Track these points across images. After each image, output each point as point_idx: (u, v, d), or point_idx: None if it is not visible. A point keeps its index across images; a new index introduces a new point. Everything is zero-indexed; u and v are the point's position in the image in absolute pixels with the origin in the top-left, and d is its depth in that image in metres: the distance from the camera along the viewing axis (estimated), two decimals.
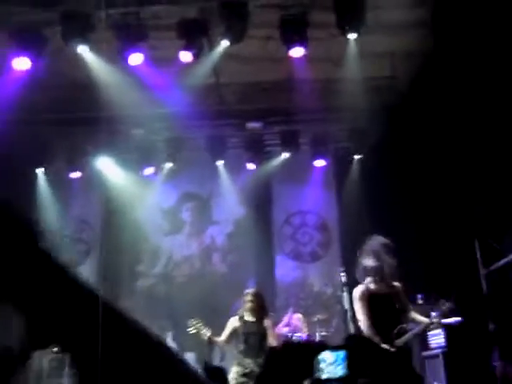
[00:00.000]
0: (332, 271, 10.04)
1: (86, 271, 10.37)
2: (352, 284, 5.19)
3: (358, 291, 5.03)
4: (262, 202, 10.83)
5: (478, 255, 7.08)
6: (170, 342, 9.92)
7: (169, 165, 10.52)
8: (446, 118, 7.58)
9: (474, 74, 6.64)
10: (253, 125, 10.04)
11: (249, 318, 6.15)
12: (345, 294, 5.28)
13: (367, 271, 5.06)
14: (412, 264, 8.35)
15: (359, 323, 4.94)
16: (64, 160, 10.18)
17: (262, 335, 6.00)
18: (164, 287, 10.65)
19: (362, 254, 5.20)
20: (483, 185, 6.63)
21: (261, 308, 6.20)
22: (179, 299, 10.38)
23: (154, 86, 8.43)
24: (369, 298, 4.94)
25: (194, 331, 6.03)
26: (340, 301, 5.82)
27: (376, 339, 4.75)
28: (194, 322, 5.96)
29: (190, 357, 9.93)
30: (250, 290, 6.38)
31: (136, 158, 10.33)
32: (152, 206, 10.86)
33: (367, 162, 10.20)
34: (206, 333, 5.97)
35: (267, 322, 6.10)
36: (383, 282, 5.02)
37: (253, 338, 5.86)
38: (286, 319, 8.77)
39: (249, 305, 6.16)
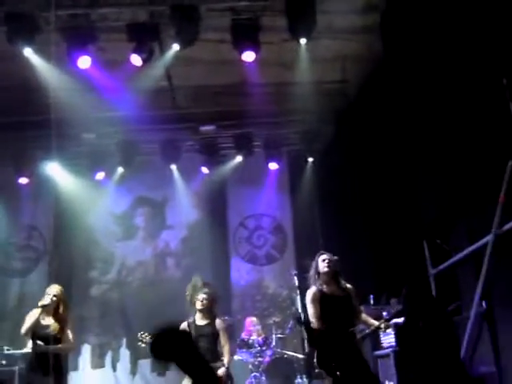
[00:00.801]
0: (287, 273, 9.82)
1: (36, 278, 10.12)
2: (305, 286, 5.19)
3: (310, 293, 5.04)
4: (216, 205, 10.83)
5: (427, 255, 7.23)
6: (124, 349, 9.76)
7: (121, 169, 10.40)
8: (393, 120, 7.73)
9: (421, 78, 6.79)
10: (206, 128, 10.02)
11: (199, 321, 6.03)
12: (298, 297, 5.27)
13: (321, 274, 5.10)
14: (363, 265, 8.53)
15: (312, 325, 4.94)
16: (12, 165, 9.91)
17: (214, 337, 5.91)
18: (118, 294, 10.51)
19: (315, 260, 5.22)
20: (430, 186, 6.79)
21: (211, 309, 6.11)
22: (133, 306, 10.28)
23: (105, 89, 8.28)
24: (320, 300, 4.95)
25: (142, 344, 5.82)
26: (294, 303, 5.88)
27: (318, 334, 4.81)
28: (144, 336, 5.80)
29: (144, 364, 9.81)
30: (202, 293, 6.28)
31: (87, 162, 10.17)
32: (104, 211, 10.73)
33: (319, 165, 10.34)
34: None
35: (219, 323, 6.00)
36: (336, 285, 5.06)
37: (203, 341, 5.76)
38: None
39: (199, 307, 6.07)
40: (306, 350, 5.80)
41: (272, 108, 9.26)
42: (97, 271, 10.72)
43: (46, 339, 5.06)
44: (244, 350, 8.31)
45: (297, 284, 5.34)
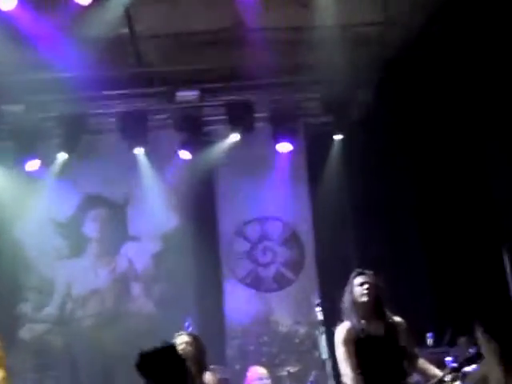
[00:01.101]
0: (306, 303, 9.84)
1: None
2: (333, 322, 5.31)
3: (341, 332, 5.14)
4: (202, 206, 10.88)
5: (508, 270, 7.33)
6: None
7: (63, 155, 10.43)
8: (459, 79, 7.77)
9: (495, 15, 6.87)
10: (185, 94, 10.08)
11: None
12: (323, 337, 5.37)
13: (359, 304, 5.20)
14: (418, 290, 8.60)
15: (343, 378, 5.04)
16: None
17: None
18: (61, 337, 10.55)
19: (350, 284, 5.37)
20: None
21: (198, 358, 6.12)
22: (85, 355, 10.35)
23: (38, 40, 8.39)
24: (357, 342, 5.06)
25: None
26: (317, 346, 5.95)
27: None
28: None
29: None
30: (183, 334, 6.34)
31: (13, 146, 10.22)
32: (39, 217, 10.72)
33: (351, 144, 10.32)
34: None
35: (208, 379, 6.09)
36: (379, 320, 5.16)
37: None
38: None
39: (181, 354, 6.16)
40: None
41: (281, 64, 9.29)
42: (29, 305, 10.80)
43: None
44: None
45: (321, 318, 5.42)
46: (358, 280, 5.25)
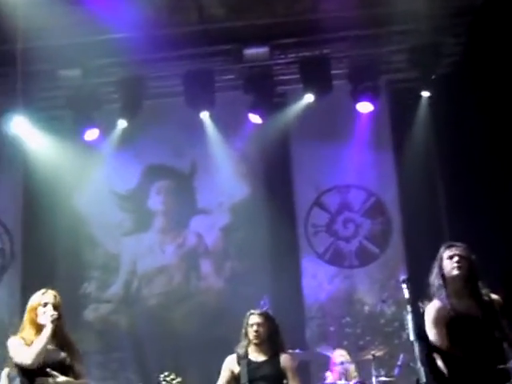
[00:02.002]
0: (393, 280, 10.09)
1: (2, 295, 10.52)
2: (422, 300, 5.25)
3: (431, 311, 5.09)
4: (275, 174, 10.89)
5: None
6: None
7: (123, 123, 10.52)
8: None
9: None
10: (254, 51, 10.03)
11: (255, 355, 6.22)
12: (409, 317, 5.27)
13: (449, 279, 5.15)
14: None
15: (436, 361, 5.01)
16: None
17: (278, 380, 6.07)
18: (127, 317, 10.74)
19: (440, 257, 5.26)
20: None
21: (274, 339, 6.28)
22: (152, 335, 10.48)
23: (94, 1, 8.45)
24: (449, 322, 4.99)
25: None
26: (405, 327, 5.91)
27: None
28: (169, 379, 5.96)
29: None
30: (256, 312, 6.47)
31: (70, 114, 10.33)
32: (100, 189, 10.92)
33: (441, 102, 10.18)
34: None
35: (286, 360, 6.19)
36: (473, 297, 5.08)
37: None
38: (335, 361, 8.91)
39: (254, 335, 6.23)
40: None
41: (360, 14, 9.19)
42: (93, 284, 11.03)
43: (61, 370, 5.34)
44: None
45: (408, 296, 5.38)
46: (448, 253, 5.16)
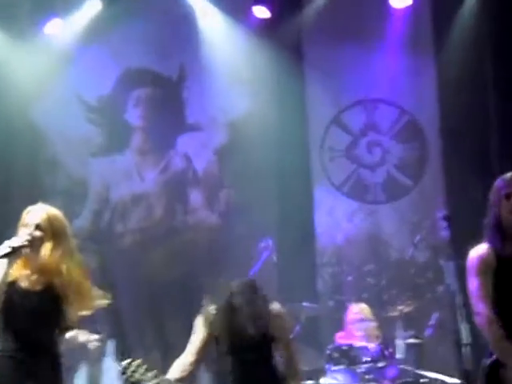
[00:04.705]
0: (428, 218, 10.19)
1: None
2: (466, 243, 5.08)
3: (476, 257, 4.98)
4: (285, 84, 10.60)
5: None
6: (110, 360, 9.90)
7: (96, 7, 10.36)
8: None
9: None
10: None
11: (241, 312, 5.92)
12: (451, 264, 5.30)
13: (506, 222, 4.97)
14: None
15: (476, 317, 4.95)
16: None
17: (267, 345, 5.88)
18: (94, 258, 10.38)
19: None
20: None
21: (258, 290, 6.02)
22: (125, 280, 10.38)
23: None
24: (496, 271, 4.91)
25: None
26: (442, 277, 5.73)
27: (503, 344, 4.80)
28: (131, 369, 5.70)
29: None
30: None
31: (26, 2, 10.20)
32: (64, 97, 10.73)
33: None
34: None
35: (277, 313, 5.93)
36: None
37: (253, 357, 5.78)
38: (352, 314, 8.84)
39: (240, 287, 5.99)
40: (467, 369, 5.68)
41: None
42: None
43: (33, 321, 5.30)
44: (341, 368, 8.20)
45: (448, 238, 5.12)
46: (507, 189, 5.01)
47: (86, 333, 5.28)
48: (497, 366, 4.80)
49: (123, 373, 5.64)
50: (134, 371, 5.62)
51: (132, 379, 5.64)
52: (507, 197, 5.01)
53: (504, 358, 4.79)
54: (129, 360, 5.67)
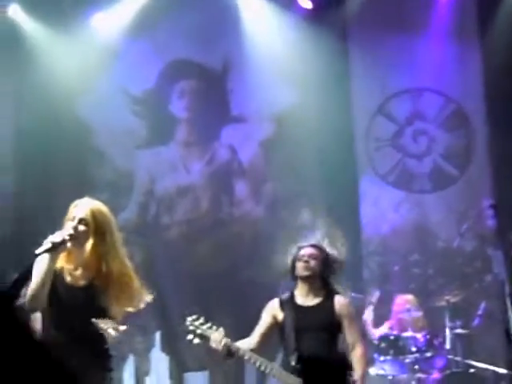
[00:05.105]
0: (475, 207, 10.09)
1: None
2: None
3: None
4: (330, 76, 10.63)
5: None
6: (159, 352, 10.07)
7: (140, 1, 10.46)
8: None
9: None
10: None
11: (302, 299, 6.20)
12: (499, 253, 5.30)
13: None
14: None
15: None
16: None
17: (333, 329, 6.08)
18: (140, 251, 10.42)
19: None
20: None
21: (327, 278, 6.27)
22: (172, 273, 10.48)
23: None
24: None
25: (195, 339, 5.99)
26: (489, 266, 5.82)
27: None
28: (196, 323, 5.97)
29: (198, 378, 10.11)
30: (305, 245, 6.48)
31: None
32: (109, 90, 10.83)
33: None
34: (218, 337, 5.94)
35: (341, 305, 6.16)
36: None
37: (312, 338, 5.96)
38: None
39: (303, 273, 6.19)
40: None
41: None
42: None
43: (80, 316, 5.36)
44: (388, 358, 8.44)
45: (495, 227, 5.28)
46: None
47: (108, 321, 5.32)
48: None
49: (190, 325, 5.97)
50: (202, 323, 5.96)
51: (198, 331, 5.95)
52: None
53: None
54: (194, 316, 6.01)
